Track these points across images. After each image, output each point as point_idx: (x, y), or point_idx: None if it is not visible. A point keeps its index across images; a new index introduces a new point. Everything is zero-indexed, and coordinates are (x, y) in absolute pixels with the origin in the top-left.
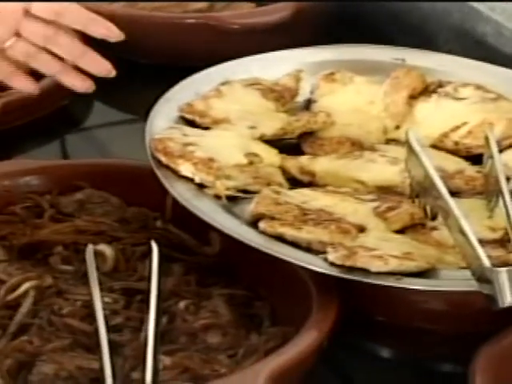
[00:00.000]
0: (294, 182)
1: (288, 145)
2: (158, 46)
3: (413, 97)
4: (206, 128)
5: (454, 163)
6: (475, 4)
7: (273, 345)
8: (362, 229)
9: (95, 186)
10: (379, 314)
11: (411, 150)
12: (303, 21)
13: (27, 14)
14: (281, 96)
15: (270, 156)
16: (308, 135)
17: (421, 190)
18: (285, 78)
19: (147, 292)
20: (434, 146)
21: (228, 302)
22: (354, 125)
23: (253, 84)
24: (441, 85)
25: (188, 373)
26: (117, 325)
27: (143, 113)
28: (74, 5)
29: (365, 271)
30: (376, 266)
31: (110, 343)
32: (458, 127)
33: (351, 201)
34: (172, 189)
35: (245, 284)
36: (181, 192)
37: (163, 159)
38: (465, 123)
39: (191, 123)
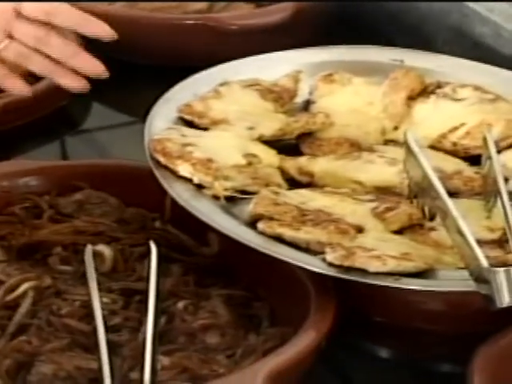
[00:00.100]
0: (293, 183)
1: (287, 145)
2: (157, 46)
3: (411, 98)
4: (205, 129)
5: (452, 164)
6: (474, 5)
7: (271, 345)
8: (360, 229)
9: (94, 186)
10: (377, 315)
11: (409, 151)
12: (302, 22)
13: (18, 15)
14: (279, 97)
15: (269, 157)
16: (307, 136)
17: (419, 190)
18: (283, 78)
19: (146, 292)
20: (433, 147)
21: (226, 303)
22: (352, 126)
23: (251, 85)
24: (439, 86)
25: (186, 373)
26: (115, 325)
27: (142, 114)
28: (65, 5)
29: (363, 271)
30: (374, 266)
31: (109, 343)
32: (456, 128)
33: (350, 201)
34: (171, 189)
35: (243, 284)
36: (179, 192)
37: (162, 160)
38: (463, 124)
39: (190, 124)
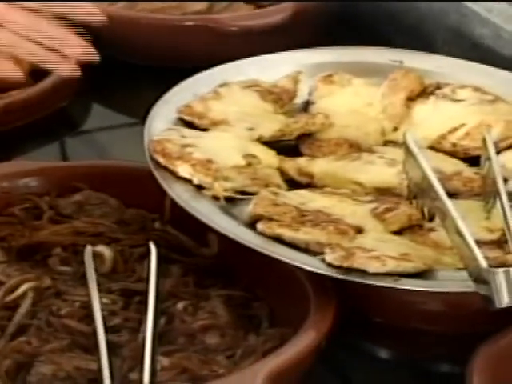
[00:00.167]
0: (292, 184)
1: (286, 146)
2: (157, 47)
3: (411, 99)
4: (205, 129)
5: (451, 165)
6: (473, 6)
7: (271, 345)
8: (359, 230)
9: (94, 187)
10: (377, 315)
11: (409, 152)
12: (302, 23)
13: (8, 3)
14: (279, 98)
15: (269, 157)
16: (306, 137)
17: (418, 191)
18: (283, 79)
19: (145, 293)
20: (432, 148)
21: (226, 303)
22: (352, 126)
23: (251, 86)
24: (439, 87)
25: (186, 373)
26: (115, 326)
27: (142, 115)
28: None
29: (362, 272)
30: (373, 266)
31: (108, 344)
32: (455, 129)
33: (349, 202)
34: (170, 190)
35: (243, 285)
36: (179, 193)
37: (161, 160)
38: (462, 125)
39: (190, 125)
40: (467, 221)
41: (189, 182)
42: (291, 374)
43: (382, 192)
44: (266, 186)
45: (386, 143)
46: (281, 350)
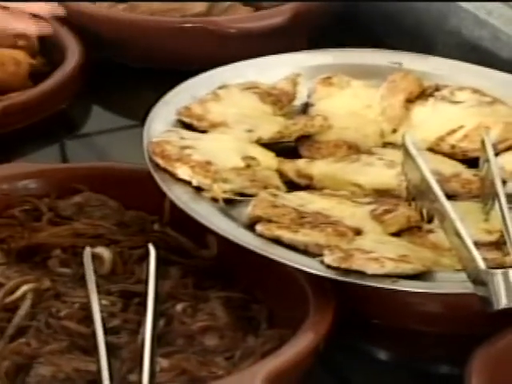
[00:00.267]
0: (292, 185)
1: (285, 148)
2: (156, 50)
3: (409, 100)
4: (204, 131)
5: (450, 166)
6: (472, 8)
7: (270, 347)
8: (358, 231)
9: (93, 189)
10: (375, 316)
11: (408, 154)
12: (300, 25)
13: None
14: (278, 100)
15: (268, 159)
16: (305, 139)
17: (417, 193)
18: (282, 81)
19: (145, 295)
20: (431, 150)
21: (225, 305)
22: (351, 128)
23: (250, 88)
24: (437, 88)
25: (185, 375)
26: (114, 327)
27: (141, 117)
28: None
29: (361, 273)
30: (372, 268)
31: (108, 345)
32: (454, 131)
33: (348, 204)
34: (169, 192)
35: (242, 287)
36: (178, 195)
37: (161, 162)
38: (461, 127)
39: (189, 127)
40: (466, 222)
41: (188, 183)
42: (290, 375)
43: (381, 194)
44: (265, 187)
45: (385, 145)
46: (280, 351)
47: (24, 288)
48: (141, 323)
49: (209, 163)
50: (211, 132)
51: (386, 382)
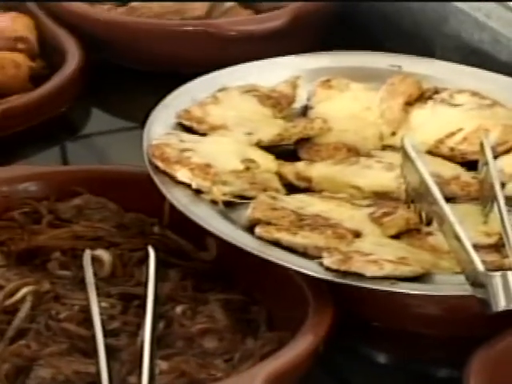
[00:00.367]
0: (291, 188)
1: (285, 151)
2: (156, 53)
3: (409, 103)
4: (203, 134)
5: (449, 169)
6: (471, 11)
7: (269, 349)
8: (357, 234)
9: (93, 191)
10: (374, 319)
11: (407, 156)
12: (300, 28)
13: None
14: (278, 102)
15: (267, 162)
16: (305, 141)
17: (416, 195)
18: (282, 84)
19: (144, 297)
20: (430, 152)
21: (224, 307)
22: (350, 131)
23: (250, 91)
24: (437, 91)
25: (184, 377)
26: (114, 329)
27: (141, 120)
28: None
29: (360, 276)
30: (371, 270)
31: (107, 348)
32: (453, 133)
33: (347, 206)
34: (169, 194)
35: (241, 289)
36: (178, 198)
37: (160, 165)
38: (460, 129)
39: (189, 129)
40: (465, 225)
41: (187, 186)
42: (289, 377)
43: (380, 196)
44: (265, 190)
45: (384, 148)
46: (279, 353)
47: (24, 290)
48: (140, 325)
49: (208, 166)
50: (211, 135)
51: None
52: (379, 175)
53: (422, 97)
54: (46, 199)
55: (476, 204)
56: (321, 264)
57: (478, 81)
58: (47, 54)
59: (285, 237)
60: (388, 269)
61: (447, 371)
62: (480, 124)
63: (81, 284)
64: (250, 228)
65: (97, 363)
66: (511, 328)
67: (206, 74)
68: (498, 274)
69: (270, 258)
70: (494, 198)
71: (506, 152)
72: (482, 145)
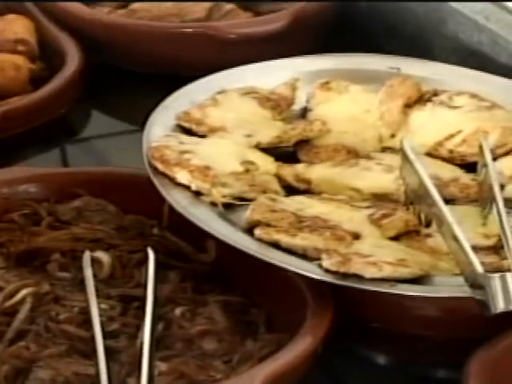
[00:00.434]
0: (290, 190)
1: (284, 153)
2: (156, 55)
3: (408, 105)
4: (203, 136)
5: (448, 171)
6: (470, 13)
7: (268, 351)
8: (356, 236)
9: (93, 193)
10: (373, 320)
11: (406, 158)
12: (300, 30)
13: None
14: (277, 105)
15: (266, 164)
16: (304, 143)
17: (415, 197)
18: (281, 86)
19: (143, 299)
20: (429, 154)
21: (224, 309)
22: (349, 133)
23: (249, 93)
24: (436, 93)
25: (184, 378)
26: (113, 331)
27: (141, 122)
28: None
29: (359, 277)
30: (370, 272)
31: (107, 349)
32: (452, 135)
33: (346, 208)
34: (169, 196)
35: (240, 291)
36: (177, 199)
37: (160, 167)
38: (459, 131)
39: (188, 131)
40: (464, 227)
41: (187, 188)
42: (288, 379)
43: (379, 198)
44: (264, 192)
45: (384, 149)
46: (278, 355)
47: (23, 292)
48: (140, 327)
49: (208, 168)
50: (210, 137)
51: None
52: (378, 177)
53: (421, 99)
54: (46, 201)
55: (475, 206)
56: (320, 266)
57: (477, 83)
58: (47, 56)
59: (284, 238)
60: (387, 270)
61: (446, 373)
62: (479, 126)
63: (80, 285)
64: (249, 230)
65: (96, 365)
66: (510, 329)
67: (206, 77)
68: (497, 275)
69: (270, 260)
70: (493, 200)
71: (505, 154)
72: (481, 147)
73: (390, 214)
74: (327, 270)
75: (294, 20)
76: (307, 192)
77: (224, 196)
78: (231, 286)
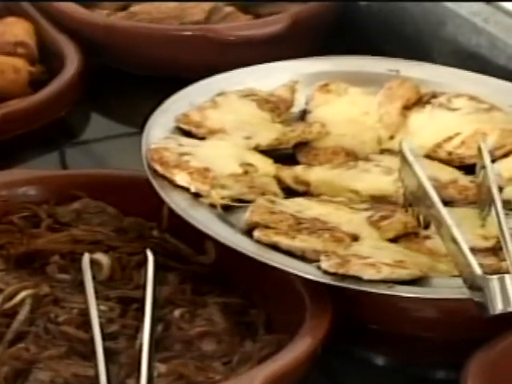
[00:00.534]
0: (289, 192)
1: (283, 155)
2: (155, 58)
3: (407, 107)
4: (202, 138)
5: (447, 173)
6: (469, 16)
7: (267, 352)
8: (355, 237)
9: (92, 195)
10: (372, 322)
11: (405, 160)
12: (299, 33)
13: None
14: (276, 107)
15: (265, 166)
16: (303, 145)
17: (414, 199)
18: (280, 88)
19: (143, 300)
20: (428, 156)
21: (223, 310)
22: (348, 135)
23: (248, 95)
24: (434, 95)
25: (183, 380)
26: (112, 333)
27: (140, 124)
28: None
29: (358, 279)
30: (368, 273)
31: (106, 351)
32: (451, 137)
33: (345, 210)
34: (168, 198)
35: (240, 292)
36: (177, 201)
37: (159, 169)
38: (458, 133)
39: (187, 133)
40: (462, 228)
41: (186, 190)
42: (287, 380)
43: (378, 200)
44: (263, 194)
45: (383, 152)
46: (277, 356)
47: (23, 294)
48: (139, 329)
49: (207, 170)
50: (209, 139)
51: None
52: (377, 179)
53: (419, 101)
54: (46, 203)
55: (473, 208)
56: (319, 267)
57: (476, 85)
58: (47, 59)
59: (283, 240)
60: (385, 272)
61: (445, 374)
62: (478, 128)
63: (80, 287)
64: (248, 232)
65: (95, 366)
66: (509, 331)
67: (205, 79)
68: (496, 277)
69: (269, 262)
70: (492, 202)
71: (504, 156)
72: (479, 149)
73: (388, 215)
74: (326, 272)
75: (294, 22)
76: (306, 194)
77: (223, 198)
78: (230, 287)
